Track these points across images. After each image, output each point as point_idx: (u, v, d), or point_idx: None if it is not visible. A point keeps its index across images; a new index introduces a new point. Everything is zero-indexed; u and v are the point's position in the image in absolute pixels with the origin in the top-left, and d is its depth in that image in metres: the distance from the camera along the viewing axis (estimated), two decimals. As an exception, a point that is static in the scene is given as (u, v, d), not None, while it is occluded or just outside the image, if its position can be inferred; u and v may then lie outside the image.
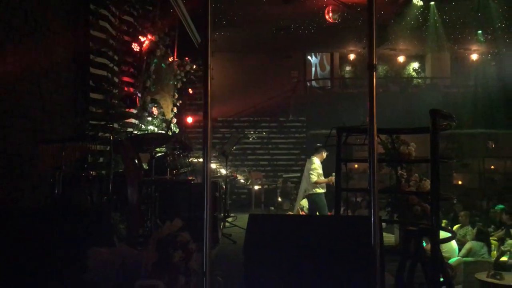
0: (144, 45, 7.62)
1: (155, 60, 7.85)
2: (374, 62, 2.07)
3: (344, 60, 17.81)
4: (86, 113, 6.16)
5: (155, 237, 2.39)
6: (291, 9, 13.01)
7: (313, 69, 17.78)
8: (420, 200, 4.81)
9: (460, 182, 17.85)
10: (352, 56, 17.38)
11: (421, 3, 11.31)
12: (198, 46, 10.76)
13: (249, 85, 15.62)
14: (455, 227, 10.12)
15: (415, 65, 17.87)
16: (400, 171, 4.99)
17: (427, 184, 4.73)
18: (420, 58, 17.86)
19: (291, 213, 10.18)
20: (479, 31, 13.73)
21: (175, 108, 9.75)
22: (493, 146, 16.63)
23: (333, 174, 9.47)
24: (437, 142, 3.26)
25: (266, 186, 12.87)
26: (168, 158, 4.69)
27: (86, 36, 6.24)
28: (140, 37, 7.60)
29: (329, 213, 9.27)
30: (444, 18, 13.56)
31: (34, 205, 4.41)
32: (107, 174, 3.76)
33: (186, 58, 9.73)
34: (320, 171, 9.60)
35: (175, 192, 4.57)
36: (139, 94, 7.65)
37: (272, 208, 12.48)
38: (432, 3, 12.10)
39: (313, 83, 17.60)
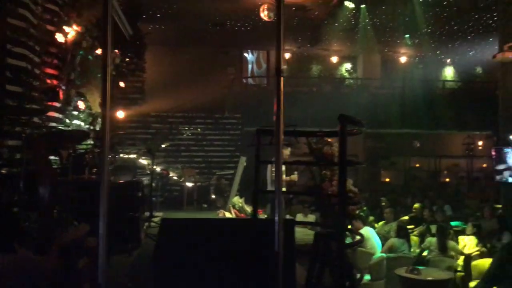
0: (69, 36, 7.26)
1: (81, 52, 7.51)
2: (282, 67, 2.06)
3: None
4: (1, 106, 5.79)
5: (57, 243, 2.25)
6: (227, 6, 12.97)
7: (250, 66, 17.84)
8: None
9: (387, 180, 18.64)
10: (287, 55, 17.59)
11: (352, 5, 11.61)
12: (129, 38, 10.45)
13: (184, 80, 15.40)
14: (380, 223, 10.54)
15: (347, 65, 18.39)
16: (324, 171, 5.05)
17: (348, 184, 4.83)
18: (352, 59, 18.41)
19: (223, 211, 10.15)
20: (407, 35, 14.33)
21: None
22: (418, 145, 17.49)
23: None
24: (345, 147, 3.33)
25: (199, 183, 12.75)
26: (87, 155, 4.48)
27: (2, 24, 5.84)
28: (65, 27, 7.23)
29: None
30: (374, 21, 14.06)
31: None
32: (18, 172, 3.53)
33: (116, 51, 9.41)
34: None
35: (94, 192, 4.35)
36: (63, 87, 7.29)
37: (205, 205, 12.37)
38: (363, 6, 12.46)
39: (250, 80, 17.66)
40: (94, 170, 4.64)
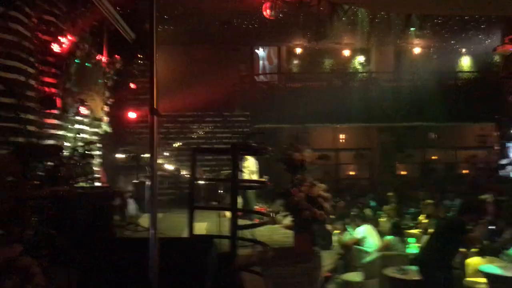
0: (64, 45, 7.52)
1: (76, 61, 7.76)
2: (155, 107, 2.18)
3: (291, 54, 17.99)
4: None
5: (-13, 263, 2.42)
6: (232, 4, 13.04)
7: (261, 62, 17.87)
8: (310, 205, 5.00)
9: (403, 173, 18.44)
10: (298, 50, 17.56)
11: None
12: (132, 42, 10.68)
13: (195, 79, 15.56)
14: (382, 219, 10.51)
15: (360, 58, 18.21)
16: (296, 177, 5.17)
17: (317, 189, 4.93)
18: (365, 51, 18.20)
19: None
20: (412, 28, 14.06)
21: (106, 106, 9.69)
22: (434, 136, 17.24)
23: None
24: (236, 169, 3.47)
25: (209, 182, 12.98)
26: (59, 167, 4.66)
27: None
28: (60, 37, 7.50)
29: (256, 208, 9.55)
30: (382, 13, 13.84)
31: None
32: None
33: (116, 56, 9.66)
34: (253, 168, 9.82)
35: (67, 204, 4.51)
36: (60, 95, 7.57)
37: (215, 202, 12.58)
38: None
39: (261, 77, 17.72)
40: (70, 181, 4.85)
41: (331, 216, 10.93)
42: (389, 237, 8.08)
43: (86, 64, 8.38)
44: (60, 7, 7.79)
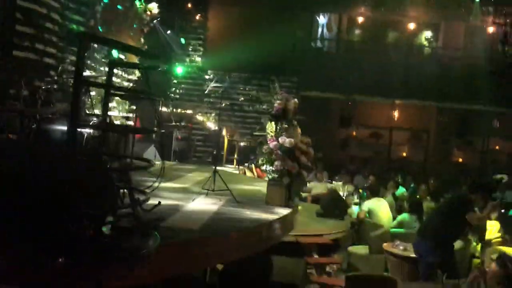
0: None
1: (105, 0, 7.80)
2: None
3: (352, 23, 17.17)
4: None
5: None
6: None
7: (319, 29, 17.20)
8: (282, 156, 4.69)
9: (460, 160, 17.24)
10: (360, 19, 16.72)
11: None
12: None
13: (247, 40, 15.31)
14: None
15: (428, 33, 17.01)
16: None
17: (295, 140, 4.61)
18: (433, 26, 16.98)
19: (244, 168, 10.23)
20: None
21: (141, 53, 9.72)
22: (497, 125, 15.82)
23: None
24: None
25: (244, 143, 12.92)
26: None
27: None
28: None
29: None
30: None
31: None
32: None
33: (154, 1, 9.63)
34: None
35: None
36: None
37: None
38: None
39: (318, 43, 17.12)
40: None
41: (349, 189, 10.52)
42: (404, 215, 7.54)
43: (118, 6, 8.41)
44: None
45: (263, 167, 4.94)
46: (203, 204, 4.63)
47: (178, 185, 5.95)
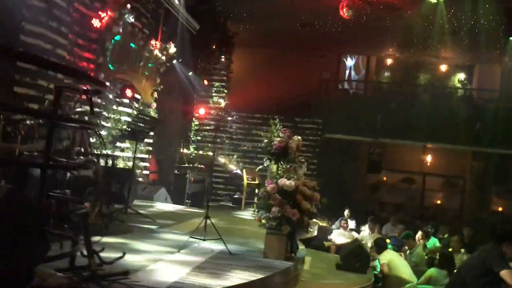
0: (103, 20, 7.42)
1: (117, 38, 7.62)
2: None
3: (381, 64, 16.71)
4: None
5: None
6: (309, 4, 12.23)
7: (347, 71, 16.82)
8: (282, 200, 4.09)
9: (500, 209, 16.03)
10: (389, 61, 16.24)
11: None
12: (196, 32, 10.46)
13: (271, 80, 15.06)
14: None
15: (461, 76, 16.33)
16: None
17: (297, 182, 4.04)
18: (467, 68, 16.31)
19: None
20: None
21: (155, 92, 9.49)
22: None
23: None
24: None
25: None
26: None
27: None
28: (100, 12, 7.42)
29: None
30: (482, 22, 12.14)
31: None
32: None
33: (171, 42, 9.45)
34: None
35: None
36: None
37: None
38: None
39: (345, 85, 16.68)
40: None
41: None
42: (432, 269, 6.71)
43: (131, 44, 8.24)
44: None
45: (258, 213, 4.33)
46: (185, 257, 4.03)
47: (168, 234, 5.40)
